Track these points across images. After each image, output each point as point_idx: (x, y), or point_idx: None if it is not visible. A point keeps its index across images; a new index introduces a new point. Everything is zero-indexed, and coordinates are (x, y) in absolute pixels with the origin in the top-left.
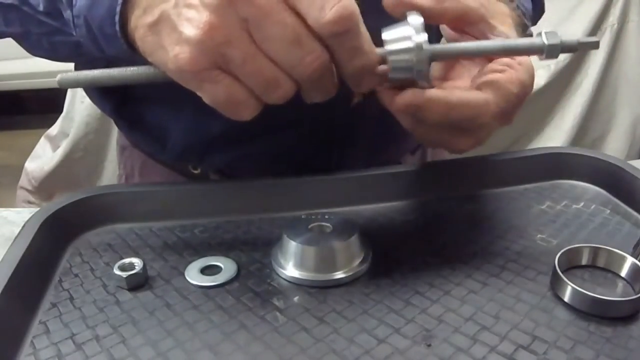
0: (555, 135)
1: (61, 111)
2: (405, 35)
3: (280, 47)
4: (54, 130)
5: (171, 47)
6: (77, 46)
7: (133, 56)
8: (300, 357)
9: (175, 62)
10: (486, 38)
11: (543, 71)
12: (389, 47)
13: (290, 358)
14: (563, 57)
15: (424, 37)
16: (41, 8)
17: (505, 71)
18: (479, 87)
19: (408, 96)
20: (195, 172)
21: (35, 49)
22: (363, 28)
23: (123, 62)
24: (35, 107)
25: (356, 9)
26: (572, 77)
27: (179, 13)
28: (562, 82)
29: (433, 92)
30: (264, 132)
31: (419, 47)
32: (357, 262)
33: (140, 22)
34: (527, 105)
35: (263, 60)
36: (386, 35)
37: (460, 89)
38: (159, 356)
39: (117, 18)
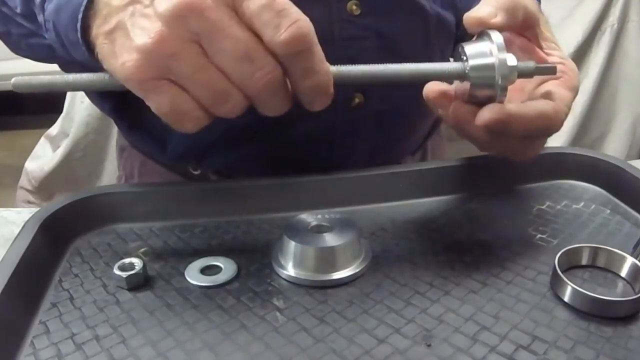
0: (555, 135)
1: (61, 111)
2: (486, 51)
3: (231, 60)
4: (54, 130)
5: (121, 55)
6: (51, 49)
7: (96, 63)
8: (300, 357)
9: (123, 70)
10: (537, 43)
11: None
12: (472, 62)
13: (290, 358)
14: None
15: (508, 55)
16: (18, 10)
17: (562, 78)
18: (544, 97)
19: (493, 112)
20: (195, 173)
21: (16, 49)
22: (317, 48)
23: (92, 68)
24: (35, 107)
25: (311, 29)
26: None
27: (134, 22)
28: None
29: (513, 107)
30: (264, 133)
31: (502, 63)
32: (357, 262)
33: (100, 30)
34: None
35: (213, 72)
36: (469, 50)
37: (533, 102)
38: (159, 356)
39: (79, 25)
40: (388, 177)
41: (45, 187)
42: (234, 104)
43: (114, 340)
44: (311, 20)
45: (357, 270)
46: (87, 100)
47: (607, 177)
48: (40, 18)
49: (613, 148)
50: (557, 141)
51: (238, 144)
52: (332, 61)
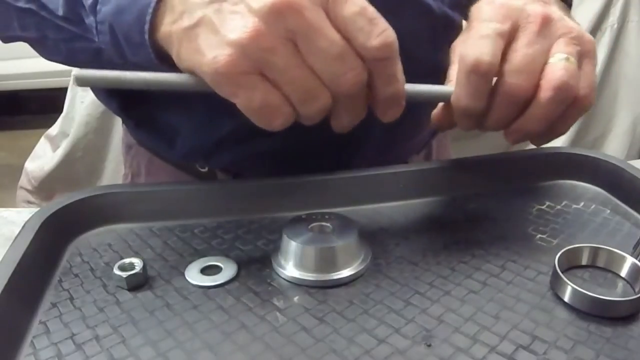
0: None
1: (61, 111)
2: None
3: (324, 59)
4: (54, 130)
5: (209, 50)
6: (97, 53)
7: (158, 65)
8: (300, 357)
9: (213, 64)
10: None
11: None
12: None
13: (290, 358)
14: None
15: None
16: (60, 13)
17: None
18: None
19: (514, 134)
20: (203, 170)
21: (51, 54)
22: (399, 58)
23: (144, 70)
24: (35, 107)
25: (396, 39)
26: None
27: (223, 18)
28: None
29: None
30: (271, 132)
31: None
32: (357, 262)
33: (174, 27)
34: None
35: (306, 70)
36: None
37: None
38: (159, 356)
39: (147, 27)
40: (388, 177)
41: (45, 187)
42: (321, 104)
43: (114, 340)
44: None
45: (357, 270)
46: (87, 100)
47: (607, 177)
48: (89, 20)
49: (613, 148)
50: (557, 141)
51: (246, 142)
52: None
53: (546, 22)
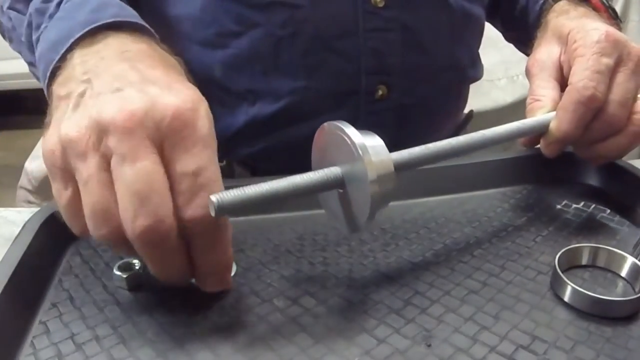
0: None
1: None
2: None
3: (125, 189)
4: None
5: (49, 131)
6: None
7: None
8: (300, 357)
9: (44, 146)
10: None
11: None
12: None
13: (290, 358)
14: None
15: None
16: (23, 38)
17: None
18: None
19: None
20: (220, 164)
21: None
22: (223, 231)
23: None
24: (35, 107)
25: (210, 216)
26: None
27: (73, 107)
28: None
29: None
30: (288, 123)
31: None
32: None
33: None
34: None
35: (105, 189)
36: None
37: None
38: (159, 356)
39: (46, 82)
40: None
41: (45, 187)
42: (108, 234)
43: (113, 341)
44: (336, 11)
45: None
46: None
47: (607, 177)
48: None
49: None
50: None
51: (262, 135)
52: (356, 53)
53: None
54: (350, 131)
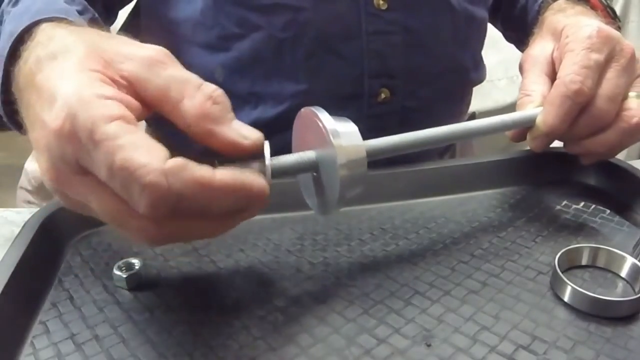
0: None
1: None
2: None
3: (99, 172)
4: None
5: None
6: None
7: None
8: (300, 357)
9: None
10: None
11: None
12: None
13: (291, 358)
14: None
15: None
16: None
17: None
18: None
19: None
20: None
21: None
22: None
23: None
24: None
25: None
26: None
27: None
28: None
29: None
30: (290, 128)
31: None
32: None
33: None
34: None
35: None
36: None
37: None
38: (159, 356)
39: None
40: (388, 177)
41: (45, 187)
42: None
43: (113, 340)
44: (338, 14)
45: None
46: None
47: (607, 177)
48: None
49: None
50: (557, 141)
51: (266, 135)
52: (359, 56)
53: (632, 59)
54: (324, 116)
